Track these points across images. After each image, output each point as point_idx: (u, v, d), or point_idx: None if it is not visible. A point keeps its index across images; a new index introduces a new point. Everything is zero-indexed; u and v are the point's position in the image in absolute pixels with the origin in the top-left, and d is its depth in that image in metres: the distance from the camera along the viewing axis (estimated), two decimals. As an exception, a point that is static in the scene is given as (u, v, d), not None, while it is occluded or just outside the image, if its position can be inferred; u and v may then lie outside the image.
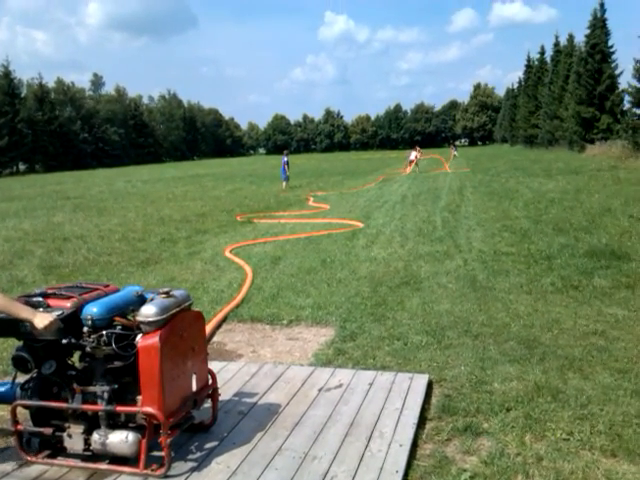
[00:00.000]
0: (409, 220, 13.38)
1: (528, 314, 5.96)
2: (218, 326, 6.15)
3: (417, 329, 5.63)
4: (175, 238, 12.27)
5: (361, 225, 13.00)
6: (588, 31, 43.46)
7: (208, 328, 5.77)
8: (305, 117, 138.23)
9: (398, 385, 4.24)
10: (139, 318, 3.13)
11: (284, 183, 25.86)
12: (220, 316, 6.34)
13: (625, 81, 39.49)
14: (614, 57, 42.32)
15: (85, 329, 3.11)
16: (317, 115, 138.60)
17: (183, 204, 19.70)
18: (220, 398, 3.83)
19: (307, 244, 10.80)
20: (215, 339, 5.82)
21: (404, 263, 8.64)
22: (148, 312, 3.11)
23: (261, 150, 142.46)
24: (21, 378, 3.35)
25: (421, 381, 4.28)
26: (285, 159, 26.30)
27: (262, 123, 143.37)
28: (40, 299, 3.17)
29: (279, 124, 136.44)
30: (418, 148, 38.70)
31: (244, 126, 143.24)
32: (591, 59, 41.90)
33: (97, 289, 3.36)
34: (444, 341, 5.29)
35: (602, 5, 42.88)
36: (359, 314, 6.23)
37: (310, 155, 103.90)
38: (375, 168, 41.99)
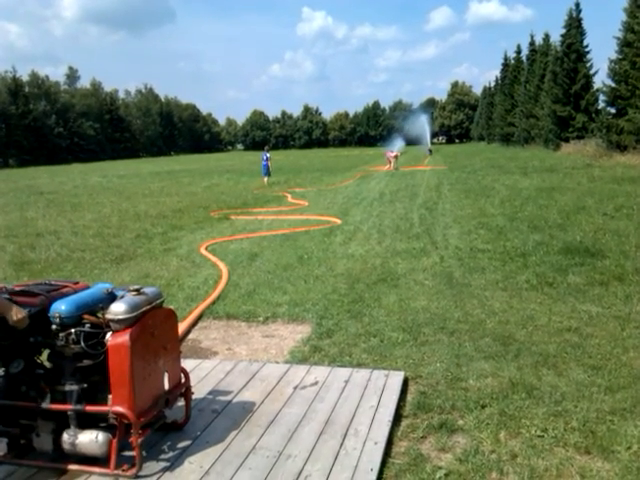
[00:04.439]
0: (386, 217, 13.39)
1: (503, 311, 5.99)
2: (194, 323, 6.07)
3: (393, 326, 5.62)
4: (150, 234, 12.12)
5: (339, 222, 12.98)
6: (564, 31, 43.94)
7: (183, 325, 5.71)
8: (284, 113, 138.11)
9: (374, 382, 4.22)
10: (109, 316, 3.06)
11: (265, 179, 25.83)
12: (196, 313, 6.26)
13: (600, 80, 39.94)
14: (589, 57, 42.85)
15: (53, 327, 3.04)
16: (296, 111, 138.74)
17: (159, 200, 19.51)
18: (194, 396, 3.77)
19: (284, 240, 10.75)
20: (190, 336, 5.74)
21: (381, 260, 8.64)
22: (118, 310, 3.04)
23: (239, 146, 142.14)
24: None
25: (397, 378, 4.27)
26: (267, 155, 26.28)
27: (240, 119, 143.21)
28: (6, 296, 3.08)
29: (257, 120, 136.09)
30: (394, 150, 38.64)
31: (222, 122, 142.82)
32: (567, 58, 42.36)
33: (66, 286, 3.28)
34: (420, 338, 5.28)
35: (577, 5, 43.37)
36: (336, 311, 6.20)
37: (289, 151, 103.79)
38: (353, 165, 42.03)
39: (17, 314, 2.92)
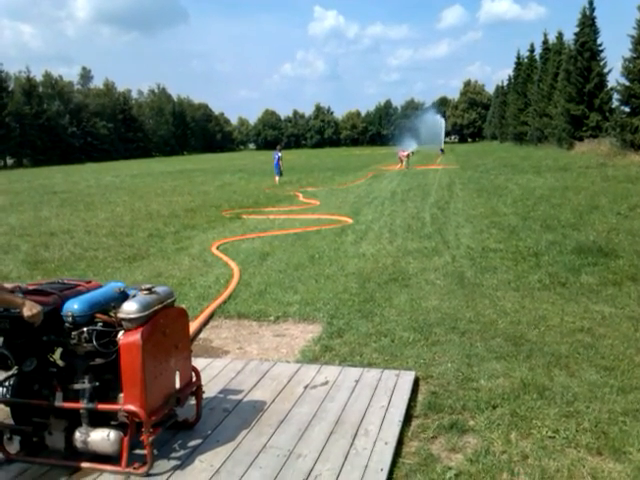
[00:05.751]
0: (398, 216, 13.37)
1: (515, 311, 5.96)
2: (205, 322, 6.09)
3: (404, 326, 5.61)
4: (163, 233, 12.18)
5: (350, 221, 12.97)
6: (577, 29, 43.58)
7: (195, 324, 5.74)
8: (295, 113, 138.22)
9: (384, 382, 4.22)
10: (120, 315, 3.08)
11: (277, 178, 25.90)
12: (207, 312, 6.29)
13: (614, 79, 39.67)
14: (603, 55, 42.46)
15: (66, 326, 3.07)
16: (307, 111, 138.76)
17: (172, 199, 19.59)
18: (205, 395, 3.79)
19: (296, 240, 10.76)
20: (201, 335, 5.76)
21: (392, 259, 8.62)
22: (130, 309, 3.06)
23: (251, 145, 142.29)
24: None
25: (407, 378, 4.26)
26: (278, 154, 26.34)
27: (252, 118, 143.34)
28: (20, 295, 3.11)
29: (269, 119, 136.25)
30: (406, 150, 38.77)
31: (234, 121, 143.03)
32: (580, 57, 42.01)
33: (78, 285, 3.31)
34: (431, 338, 5.27)
35: (591, 3, 43.00)
36: (347, 310, 6.20)
37: (300, 151, 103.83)
38: (365, 164, 41.97)
39: (32, 309, 2.95)
